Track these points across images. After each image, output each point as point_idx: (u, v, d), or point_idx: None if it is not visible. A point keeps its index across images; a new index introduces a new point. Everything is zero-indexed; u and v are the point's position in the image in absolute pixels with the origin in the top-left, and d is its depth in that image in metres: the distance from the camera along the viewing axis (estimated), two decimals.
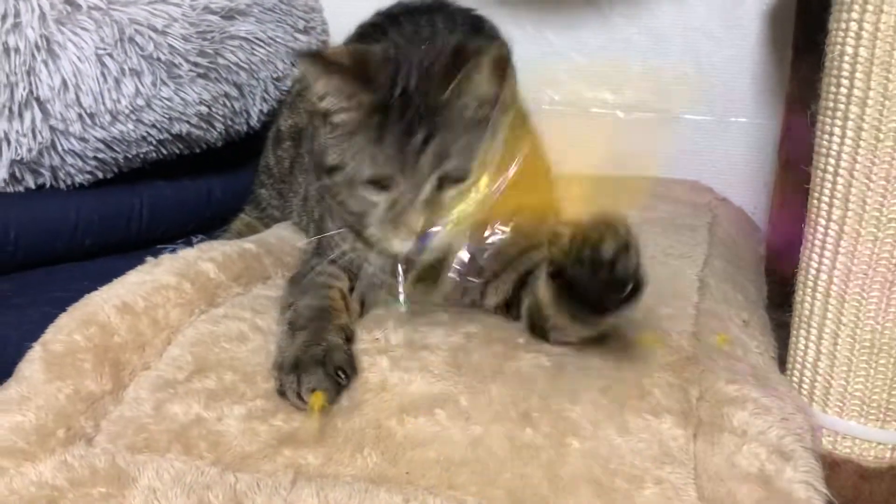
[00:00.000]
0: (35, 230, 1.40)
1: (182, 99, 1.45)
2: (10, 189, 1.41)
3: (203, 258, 1.15)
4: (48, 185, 1.44)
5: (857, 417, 1.03)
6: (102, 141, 1.40)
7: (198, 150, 1.59)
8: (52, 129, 1.36)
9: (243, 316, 1.07)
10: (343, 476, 0.79)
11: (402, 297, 1.02)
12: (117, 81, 1.37)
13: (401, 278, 1.03)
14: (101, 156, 1.42)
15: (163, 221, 1.61)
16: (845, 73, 0.97)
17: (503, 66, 0.98)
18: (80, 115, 1.35)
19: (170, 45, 1.41)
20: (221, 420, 0.86)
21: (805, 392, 1.07)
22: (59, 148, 1.38)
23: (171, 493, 0.77)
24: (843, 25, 0.97)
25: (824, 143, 1.02)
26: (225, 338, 1.01)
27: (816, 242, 1.04)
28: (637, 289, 0.85)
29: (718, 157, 1.96)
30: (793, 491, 0.77)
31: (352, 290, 1.10)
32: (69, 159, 1.40)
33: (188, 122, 1.49)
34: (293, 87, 1.72)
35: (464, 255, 0.98)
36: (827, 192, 1.01)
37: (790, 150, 1.66)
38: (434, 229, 0.94)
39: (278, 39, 1.67)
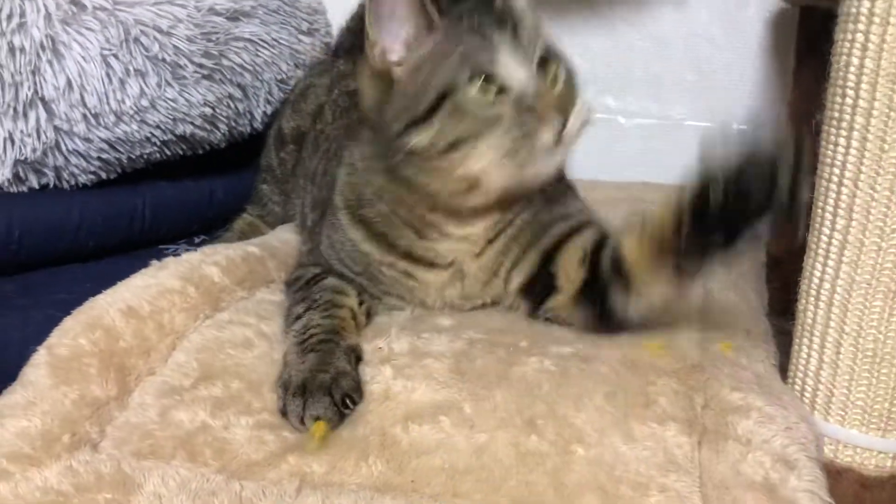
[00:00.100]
0: (38, 230, 1.40)
1: (186, 100, 1.45)
2: (13, 189, 1.41)
3: (207, 262, 1.15)
4: (51, 185, 1.44)
5: (858, 426, 1.04)
6: (106, 141, 1.40)
7: (201, 152, 1.60)
8: (57, 129, 1.36)
9: (248, 321, 1.07)
10: (348, 484, 0.80)
11: None
12: (122, 82, 1.37)
13: None
14: (104, 156, 1.42)
15: (165, 222, 1.61)
16: (851, 84, 0.97)
17: None
18: (84, 116, 1.35)
19: (175, 46, 1.41)
20: (228, 428, 0.87)
21: (807, 400, 1.07)
22: (63, 148, 1.38)
23: (177, 499, 0.77)
24: (850, 37, 0.97)
25: (829, 153, 1.02)
26: (230, 344, 1.01)
27: (820, 251, 1.04)
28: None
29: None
30: (797, 500, 0.77)
31: (360, 303, 1.10)
32: (73, 159, 1.40)
33: (192, 123, 1.49)
34: (295, 87, 1.73)
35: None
36: (831, 201, 1.01)
37: None
38: (574, 126, 0.95)
39: (282, 41, 1.68)
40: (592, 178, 1.88)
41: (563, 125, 0.94)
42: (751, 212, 0.87)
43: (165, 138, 1.47)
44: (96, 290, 1.04)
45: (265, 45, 1.62)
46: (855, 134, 0.97)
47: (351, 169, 1.13)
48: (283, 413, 0.89)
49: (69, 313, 0.99)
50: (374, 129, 1.04)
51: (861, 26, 0.95)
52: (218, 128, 1.57)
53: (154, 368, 0.97)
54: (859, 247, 0.99)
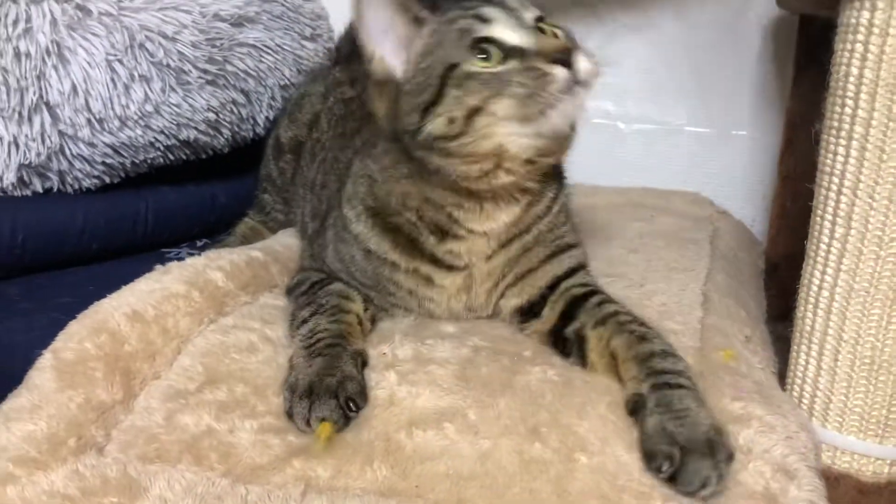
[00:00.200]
0: (42, 234, 1.41)
1: (190, 105, 1.46)
2: (17, 192, 1.41)
3: (211, 266, 1.16)
4: (55, 189, 1.45)
5: (856, 433, 1.04)
6: (111, 146, 1.41)
7: (204, 156, 1.60)
8: (61, 133, 1.36)
9: (252, 326, 1.08)
10: (353, 489, 0.80)
11: None
12: (127, 87, 1.37)
13: None
14: (108, 161, 1.43)
15: (168, 226, 1.62)
16: (850, 94, 0.98)
17: None
18: (89, 121, 1.36)
19: (179, 52, 1.42)
20: (233, 432, 0.87)
21: (805, 407, 1.08)
22: (68, 152, 1.38)
23: (182, 503, 0.77)
24: (849, 47, 0.98)
25: (828, 161, 1.03)
26: (235, 348, 1.01)
27: (819, 259, 1.05)
28: None
29: (718, 170, 1.97)
30: None
31: (365, 309, 1.11)
32: (77, 164, 1.41)
33: (196, 128, 1.49)
34: (291, 96, 1.73)
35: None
36: (830, 210, 1.02)
37: (790, 164, 1.67)
38: (585, 65, 0.93)
39: (286, 47, 1.69)
40: (593, 182, 1.90)
41: (571, 68, 0.93)
42: None
43: (169, 143, 1.48)
44: (100, 294, 1.04)
45: (269, 51, 1.63)
46: (854, 143, 0.98)
47: (368, 182, 1.12)
48: (290, 415, 0.90)
49: (73, 317, 0.99)
50: (391, 137, 1.05)
51: (860, 37, 0.96)
52: (221, 133, 1.57)
53: (159, 372, 0.98)
54: (858, 255, 1.00)
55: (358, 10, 1.00)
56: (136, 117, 1.39)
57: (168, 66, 1.41)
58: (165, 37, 1.40)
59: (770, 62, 1.88)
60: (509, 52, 0.94)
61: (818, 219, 1.05)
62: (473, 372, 0.96)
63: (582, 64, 0.93)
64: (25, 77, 1.31)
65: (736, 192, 1.94)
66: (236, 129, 1.61)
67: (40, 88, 1.33)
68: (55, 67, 1.33)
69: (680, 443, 0.80)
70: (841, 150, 1.00)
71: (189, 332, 1.04)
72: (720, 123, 1.96)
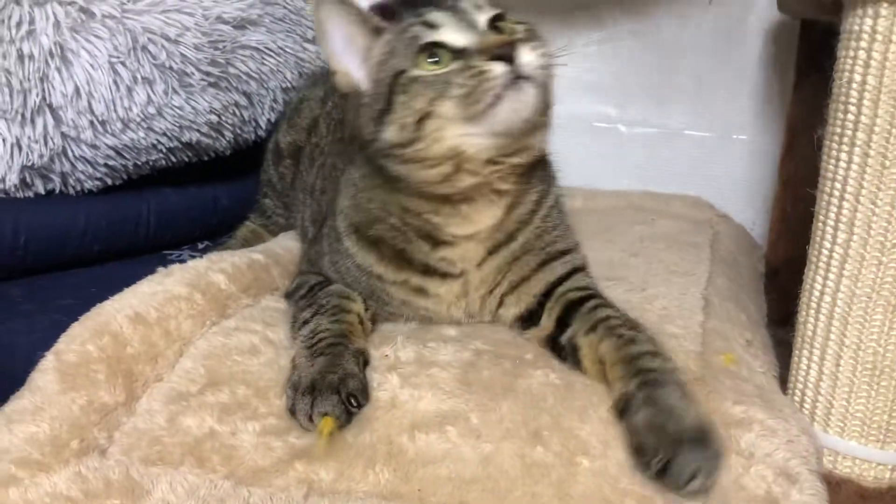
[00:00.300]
0: (44, 235, 1.41)
1: (193, 107, 1.46)
2: (20, 194, 1.42)
3: (213, 269, 1.16)
4: (58, 190, 1.45)
5: (857, 438, 1.05)
6: (113, 148, 1.41)
7: (206, 159, 1.61)
8: (64, 135, 1.37)
9: (254, 328, 1.08)
10: (355, 492, 0.80)
11: None
12: (129, 89, 1.38)
13: None
14: (111, 163, 1.43)
15: (170, 228, 1.62)
16: (853, 101, 0.98)
17: None
18: (91, 123, 1.36)
19: (182, 54, 1.42)
20: (235, 434, 0.87)
21: (806, 412, 1.08)
22: (70, 154, 1.39)
23: None
24: (852, 54, 0.98)
25: (830, 167, 1.03)
26: (237, 351, 1.02)
27: (821, 265, 1.05)
28: None
29: (719, 174, 1.97)
30: None
31: (366, 308, 1.11)
32: (80, 166, 1.41)
33: (198, 130, 1.50)
34: (291, 100, 1.74)
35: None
36: (832, 215, 1.03)
37: (791, 169, 1.67)
38: (527, 57, 0.92)
39: (288, 49, 1.69)
40: (594, 186, 1.90)
41: (513, 63, 0.91)
42: None
43: (171, 145, 1.48)
44: (102, 296, 1.05)
45: (271, 54, 1.63)
46: (857, 150, 0.98)
47: (353, 191, 1.13)
48: (292, 412, 0.90)
49: (75, 318, 1.00)
50: (361, 146, 1.06)
51: (864, 44, 0.96)
52: (223, 135, 1.58)
53: (161, 375, 0.98)
54: (860, 261, 1.00)
55: (318, 25, 1.03)
56: (138, 119, 1.40)
57: (171, 68, 1.41)
58: (168, 39, 1.40)
59: (771, 66, 1.88)
60: (455, 53, 0.95)
61: (820, 224, 1.06)
62: (475, 375, 0.96)
63: (525, 58, 0.92)
64: (28, 79, 1.32)
65: (736, 196, 1.94)
66: (238, 131, 1.61)
67: (43, 90, 1.33)
68: (58, 69, 1.33)
69: (670, 436, 0.80)
70: (843, 156, 1.00)
71: (191, 334, 1.04)
72: (721, 127, 1.96)
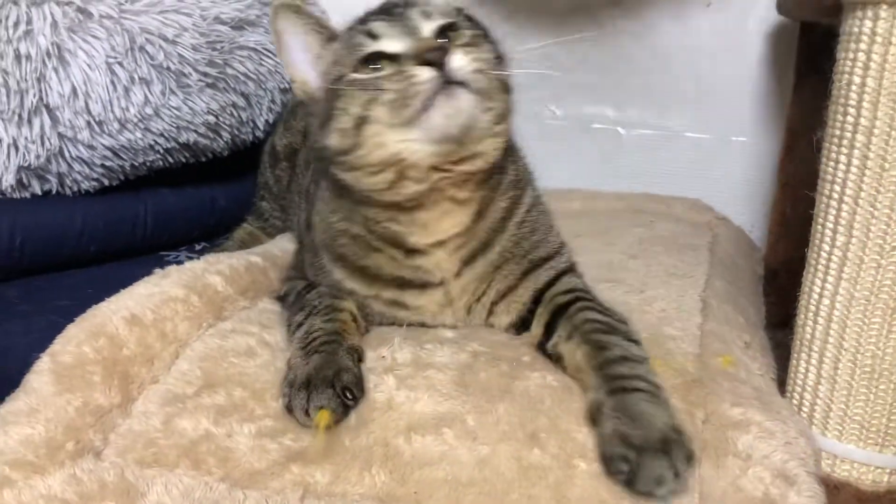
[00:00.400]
0: (41, 236, 1.41)
1: (190, 108, 1.46)
2: (16, 195, 1.41)
3: (210, 271, 1.15)
4: (54, 191, 1.45)
5: (856, 441, 1.04)
6: (110, 149, 1.41)
7: (203, 159, 1.60)
8: (61, 136, 1.36)
9: (251, 330, 1.07)
10: (351, 495, 0.80)
11: None
12: (126, 90, 1.37)
13: None
14: (108, 163, 1.43)
15: (167, 229, 1.62)
16: (852, 103, 0.98)
17: None
18: (88, 123, 1.36)
19: (179, 55, 1.42)
20: (231, 436, 0.87)
21: (805, 415, 1.08)
22: (67, 155, 1.38)
23: None
24: (852, 56, 0.98)
25: (830, 169, 1.03)
26: (233, 353, 1.01)
27: (819, 267, 1.05)
28: None
29: (718, 176, 1.97)
30: None
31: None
32: (76, 166, 1.41)
33: (196, 131, 1.49)
34: (288, 102, 1.74)
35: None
36: (831, 218, 1.02)
37: (790, 171, 1.67)
38: (457, 62, 0.91)
39: None
40: (593, 188, 1.90)
41: (444, 64, 0.90)
42: None
43: (169, 146, 1.47)
44: (98, 297, 1.04)
45: (269, 54, 1.63)
46: (856, 152, 0.98)
47: (321, 205, 1.13)
48: (289, 409, 0.90)
49: (71, 319, 0.99)
50: (315, 156, 1.06)
51: (863, 46, 0.96)
52: (221, 136, 1.57)
53: (157, 376, 0.98)
54: (859, 263, 1.00)
55: (276, 35, 1.03)
56: (135, 120, 1.39)
57: (168, 68, 1.41)
58: (166, 39, 1.40)
59: (770, 69, 1.88)
60: (394, 60, 0.94)
61: (819, 227, 1.05)
62: (472, 377, 0.96)
63: (455, 63, 0.90)
64: (25, 79, 1.31)
65: (735, 199, 1.94)
66: (236, 131, 1.61)
67: (40, 91, 1.33)
68: (55, 70, 1.33)
69: (635, 444, 0.79)
70: (843, 158, 1.00)
71: (188, 336, 1.04)
72: (720, 129, 1.96)
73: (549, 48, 1.99)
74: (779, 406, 0.98)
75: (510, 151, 1.09)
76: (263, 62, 1.62)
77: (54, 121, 1.35)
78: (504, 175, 1.08)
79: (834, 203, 1.02)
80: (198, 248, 1.69)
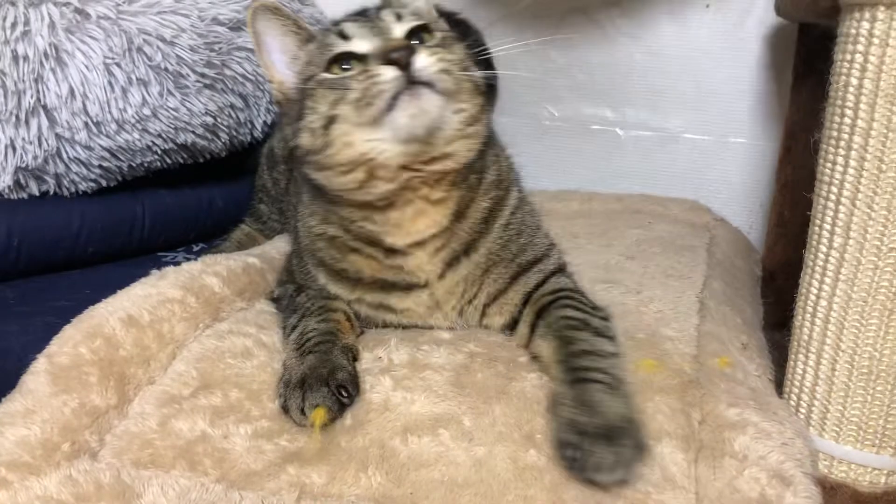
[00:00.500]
0: (38, 237, 1.41)
1: (188, 109, 1.46)
2: (14, 196, 1.41)
3: (208, 272, 1.15)
4: (52, 192, 1.45)
5: (853, 443, 1.04)
6: (108, 150, 1.40)
7: (201, 160, 1.60)
8: (58, 136, 1.36)
9: (248, 332, 1.07)
10: (347, 496, 0.80)
11: None
12: (124, 91, 1.37)
13: None
14: (105, 164, 1.43)
15: (164, 230, 1.62)
16: (849, 104, 0.98)
17: None
18: (86, 124, 1.36)
19: (177, 56, 1.42)
20: (227, 437, 0.87)
21: (802, 416, 1.08)
22: (65, 156, 1.38)
23: None
24: (849, 57, 0.98)
25: (827, 171, 1.03)
26: (230, 354, 1.01)
27: (817, 269, 1.05)
28: None
29: (716, 177, 1.98)
30: None
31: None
32: (74, 167, 1.40)
33: (193, 132, 1.49)
34: None
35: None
36: (829, 219, 1.02)
37: (788, 172, 1.67)
38: (422, 62, 0.91)
39: None
40: (591, 188, 1.90)
41: (410, 64, 0.90)
42: None
43: (166, 147, 1.47)
44: (96, 298, 1.04)
45: None
46: (853, 153, 0.98)
47: (302, 208, 1.14)
48: (286, 409, 0.90)
49: (69, 321, 0.99)
50: (291, 157, 1.06)
51: (860, 47, 0.96)
52: (219, 137, 1.57)
53: (154, 377, 0.98)
54: (856, 265, 1.00)
55: (255, 36, 1.04)
56: (133, 121, 1.39)
57: (166, 69, 1.41)
58: (164, 40, 1.40)
59: (769, 70, 1.88)
60: (362, 60, 0.95)
61: (816, 228, 1.05)
62: (468, 378, 0.96)
63: (420, 63, 0.90)
64: (23, 80, 1.31)
65: (733, 200, 1.94)
66: (234, 133, 1.61)
67: (38, 91, 1.33)
68: (53, 70, 1.33)
69: (583, 431, 0.81)
70: (840, 159, 1.00)
71: (184, 337, 1.04)
72: (718, 131, 1.96)
73: (547, 49, 2.00)
74: (776, 407, 0.98)
75: (491, 151, 1.09)
76: None
77: (52, 122, 1.35)
78: (485, 174, 1.08)
79: (831, 204, 1.02)
80: (195, 248, 1.69)
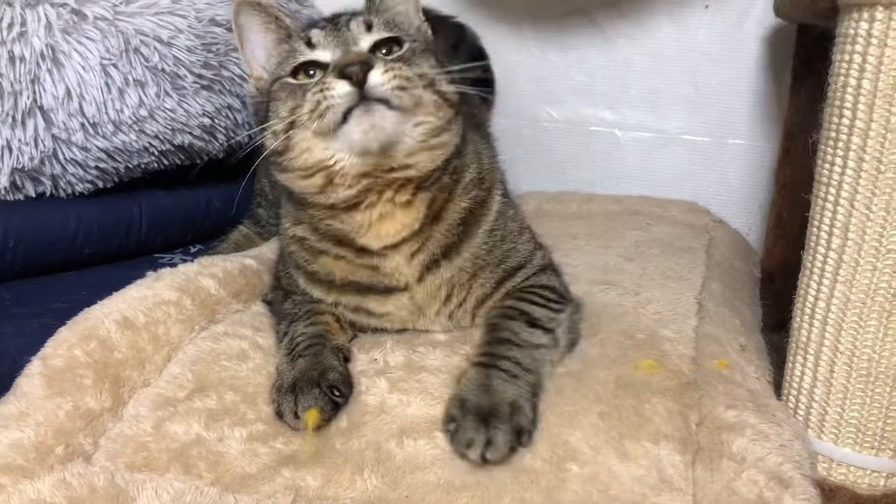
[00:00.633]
0: (34, 238, 1.40)
1: (185, 110, 1.46)
2: (10, 197, 1.41)
3: (204, 273, 1.15)
4: (48, 193, 1.44)
5: (852, 445, 1.04)
6: (104, 151, 1.40)
7: (199, 161, 1.60)
8: (55, 137, 1.36)
9: (244, 334, 1.07)
10: (342, 499, 0.80)
11: None
12: (121, 92, 1.37)
13: None
14: (102, 165, 1.42)
15: (161, 231, 1.61)
16: (848, 105, 0.98)
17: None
18: (82, 125, 1.36)
19: (175, 57, 1.42)
20: (222, 440, 0.86)
21: (800, 418, 1.07)
22: (61, 157, 1.38)
23: None
24: (847, 57, 0.97)
25: (825, 172, 1.02)
26: (225, 356, 1.01)
27: (815, 270, 1.04)
28: None
29: (715, 178, 1.97)
30: None
31: None
32: (70, 168, 1.40)
33: (191, 133, 1.49)
34: None
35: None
36: (827, 220, 1.02)
37: (787, 174, 1.67)
38: (376, 78, 0.89)
39: None
40: (589, 190, 1.90)
41: (364, 80, 0.89)
42: None
43: (164, 148, 1.47)
44: (92, 299, 1.04)
45: None
46: (851, 154, 0.98)
47: (282, 211, 1.14)
48: (279, 414, 0.90)
49: (64, 322, 0.99)
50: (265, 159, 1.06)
51: (859, 47, 0.95)
52: (216, 138, 1.57)
53: (149, 380, 0.97)
54: (854, 266, 0.99)
55: (237, 30, 1.05)
56: (130, 122, 1.39)
57: (163, 70, 1.40)
58: (161, 41, 1.40)
59: (768, 71, 1.88)
60: (324, 69, 0.95)
61: (815, 229, 1.05)
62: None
63: (374, 79, 0.89)
64: (19, 81, 1.31)
65: (732, 201, 1.94)
66: (231, 134, 1.60)
67: (34, 92, 1.32)
68: (49, 71, 1.32)
69: (465, 409, 0.86)
70: (838, 160, 1.00)
71: (180, 339, 1.04)
72: (717, 132, 1.95)
73: (546, 51, 2.00)
74: (774, 409, 0.98)
75: (471, 149, 1.09)
76: None
77: (48, 123, 1.35)
78: (462, 174, 1.06)
79: (829, 205, 1.01)
80: (193, 250, 1.68)
